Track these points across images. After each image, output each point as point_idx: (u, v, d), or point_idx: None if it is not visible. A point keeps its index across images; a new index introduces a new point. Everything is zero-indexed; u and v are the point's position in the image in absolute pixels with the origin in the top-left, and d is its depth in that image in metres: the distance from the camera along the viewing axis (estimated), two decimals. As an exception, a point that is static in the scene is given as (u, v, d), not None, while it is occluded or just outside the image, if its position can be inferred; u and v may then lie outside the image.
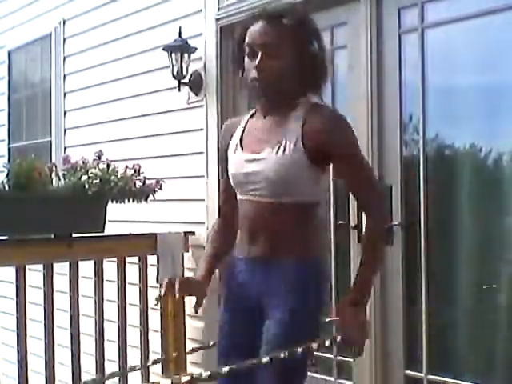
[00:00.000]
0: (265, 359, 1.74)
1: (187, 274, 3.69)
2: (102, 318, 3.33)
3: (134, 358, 3.49)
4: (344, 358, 3.17)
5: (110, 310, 3.40)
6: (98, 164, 3.19)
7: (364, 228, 1.93)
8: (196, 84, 3.77)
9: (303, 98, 1.92)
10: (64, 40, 4.97)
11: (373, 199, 1.91)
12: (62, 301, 3.25)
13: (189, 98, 3.84)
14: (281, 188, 1.86)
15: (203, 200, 3.73)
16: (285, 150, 1.83)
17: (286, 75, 1.86)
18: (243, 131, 2.00)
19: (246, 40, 1.88)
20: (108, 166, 3.21)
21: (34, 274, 3.35)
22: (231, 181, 2.00)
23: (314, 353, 1.89)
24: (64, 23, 4.96)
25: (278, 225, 1.89)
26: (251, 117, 2.02)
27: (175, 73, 3.70)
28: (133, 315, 3.49)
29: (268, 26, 1.83)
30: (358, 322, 1.82)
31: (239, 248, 2.00)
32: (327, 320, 1.94)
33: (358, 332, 1.82)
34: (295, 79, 1.89)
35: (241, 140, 1.98)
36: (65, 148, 4.90)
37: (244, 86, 1.96)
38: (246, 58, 1.89)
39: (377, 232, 1.89)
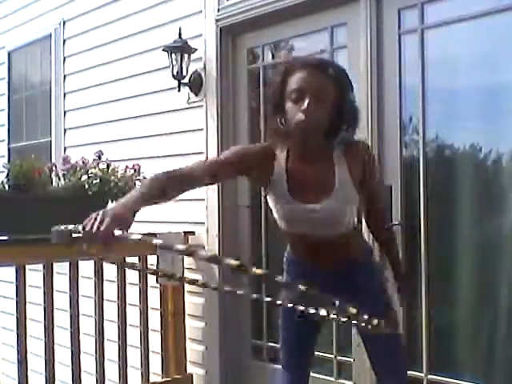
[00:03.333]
0: None
1: (187, 273, 3.69)
2: (102, 317, 3.33)
3: (134, 358, 3.49)
4: (344, 358, 3.18)
5: (110, 310, 3.40)
6: (97, 164, 3.19)
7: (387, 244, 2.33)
8: (196, 84, 3.77)
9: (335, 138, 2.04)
10: (64, 41, 4.97)
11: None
12: (61, 300, 3.25)
13: (189, 98, 3.84)
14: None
15: (203, 200, 3.73)
16: (340, 194, 2.01)
17: (328, 118, 1.96)
18: (287, 177, 2.02)
19: (292, 86, 1.94)
20: (108, 166, 3.21)
21: (34, 274, 3.35)
22: (285, 219, 2.09)
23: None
24: (64, 24, 4.96)
25: None
26: (287, 159, 2.04)
27: (175, 73, 3.70)
28: (133, 315, 3.49)
29: (316, 74, 1.93)
30: None
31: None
32: None
33: None
34: (334, 122, 1.98)
35: (289, 189, 2.02)
36: (65, 148, 4.90)
37: (277, 130, 2.02)
38: (290, 103, 1.94)
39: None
